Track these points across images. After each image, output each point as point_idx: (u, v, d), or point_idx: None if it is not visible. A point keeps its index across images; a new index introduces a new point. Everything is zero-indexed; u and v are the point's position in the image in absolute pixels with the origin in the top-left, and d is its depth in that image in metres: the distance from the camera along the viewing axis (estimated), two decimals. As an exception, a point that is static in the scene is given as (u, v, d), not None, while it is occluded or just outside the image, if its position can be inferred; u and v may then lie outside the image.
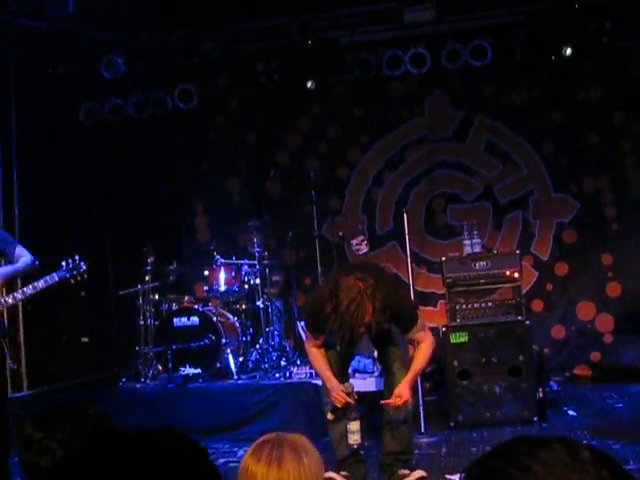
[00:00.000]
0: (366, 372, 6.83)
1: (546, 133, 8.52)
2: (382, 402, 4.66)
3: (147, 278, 7.72)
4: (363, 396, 6.28)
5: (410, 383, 4.59)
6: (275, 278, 8.03)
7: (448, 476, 5.05)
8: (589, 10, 7.77)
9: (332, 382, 4.61)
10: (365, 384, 6.58)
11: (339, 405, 4.52)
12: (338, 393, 4.51)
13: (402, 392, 4.51)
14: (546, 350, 7.90)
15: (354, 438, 4.42)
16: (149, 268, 7.71)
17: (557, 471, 0.94)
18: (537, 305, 8.28)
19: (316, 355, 4.73)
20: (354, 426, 4.42)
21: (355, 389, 6.12)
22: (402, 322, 4.56)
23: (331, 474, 4.69)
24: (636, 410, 6.35)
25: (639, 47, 8.17)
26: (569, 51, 8.11)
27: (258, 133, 9.08)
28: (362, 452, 5.02)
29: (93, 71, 8.03)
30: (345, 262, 8.06)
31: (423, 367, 4.72)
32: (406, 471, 4.80)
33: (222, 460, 6.06)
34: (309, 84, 8.51)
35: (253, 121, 9.07)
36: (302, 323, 6.48)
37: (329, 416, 4.60)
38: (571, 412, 6.54)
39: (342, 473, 4.76)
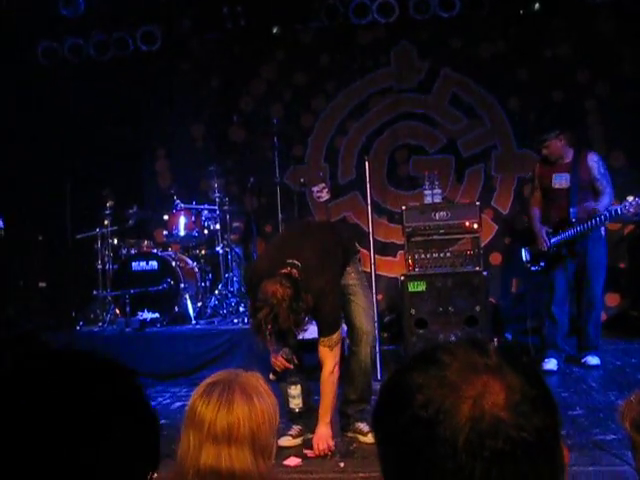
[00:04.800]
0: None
1: (511, 88, 8.50)
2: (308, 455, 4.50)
3: (106, 222, 7.63)
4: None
5: (327, 423, 4.49)
6: (236, 224, 7.98)
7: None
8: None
9: (270, 346, 4.59)
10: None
11: (278, 370, 4.51)
12: (277, 358, 4.50)
13: (320, 440, 4.43)
14: (502, 302, 8.02)
15: (295, 402, 4.45)
16: (108, 212, 7.62)
17: (463, 357, 1.01)
18: (495, 258, 8.37)
19: None
20: (294, 390, 4.44)
21: (312, 336, 6.15)
22: (319, 324, 4.50)
23: (284, 440, 4.67)
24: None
25: (607, 5, 8.15)
26: (537, 6, 8.08)
27: (222, 78, 8.93)
28: (315, 398, 5.07)
29: (51, 8, 7.78)
30: (305, 210, 8.07)
31: (333, 401, 4.52)
32: (364, 426, 4.81)
33: (179, 404, 6.08)
34: (275, 30, 8.39)
35: (218, 66, 8.91)
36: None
37: (270, 376, 4.53)
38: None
39: (295, 428, 4.78)
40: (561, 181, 6.47)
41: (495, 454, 0.93)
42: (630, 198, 6.20)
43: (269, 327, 4.13)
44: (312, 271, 4.28)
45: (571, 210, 6.39)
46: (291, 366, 4.46)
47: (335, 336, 4.41)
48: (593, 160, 6.41)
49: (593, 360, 6.38)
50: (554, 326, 6.51)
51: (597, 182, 6.38)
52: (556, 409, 1.01)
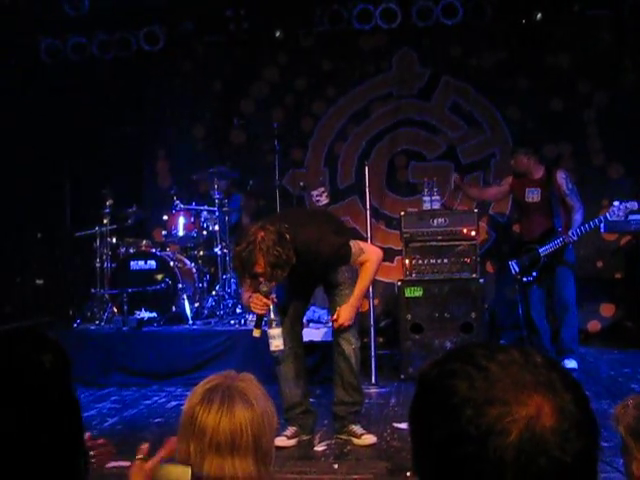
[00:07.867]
0: (320, 322, 6.90)
1: (511, 97, 8.53)
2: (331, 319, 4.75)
3: (105, 221, 7.66)
4: (316, 346, 6.37)
5: (354, 305, 4.63)
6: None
7: (395, 424, 5.16)
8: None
9: (247, 292, 4.58)
10: (319, 334, 6.66)
11: (260, 312, 4.37)
12: (257, 297, 4.36)
13: (340, 313, 4.60)
14: (499, 309, 8.04)
15: (275, 344, 4.29)
16: (107, 211, 7.65)
17: (512, 371, 1.00)
18: (492, 265, 8.40)
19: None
20: (274, 331, 4.30)
21: (309, 339, 6.18)
22: (336, 264, 4.62)
23: (279, 441, 4.71)
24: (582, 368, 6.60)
25: (608, 16, 8.22)
26: (539, 16, 8.13)
27: (224, 80, 8.95)
28: (311, 400, 5.09)
29: (55, 6, 7.80)
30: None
31: (367, 285, 4.76)
32: (358, 429, 4.84)
33: (174, 403, 6.10)
34: (278, 34, 8.43)
35: (220, 68, 8.94)
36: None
37: (255, 333, 4.42)
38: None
39: (290, 429, 4.79)
40: (533, 195, 6.93)
41: (539, 473, 0.94)
42: (616, 203, 6.46)
43: (248, 268, 4.20)
44: (302, 227, 4.43)
45: (555, 221, 6.80)
46: (270, 303, 4.35)
47: (356, 247, 4.53)
48: (562, 177, 6.84)
49: (570, 364, 6.48)
50: (537, 334, 6.80)
51: (567, 197, 6.78)
52: (599, 434, 1.01)
